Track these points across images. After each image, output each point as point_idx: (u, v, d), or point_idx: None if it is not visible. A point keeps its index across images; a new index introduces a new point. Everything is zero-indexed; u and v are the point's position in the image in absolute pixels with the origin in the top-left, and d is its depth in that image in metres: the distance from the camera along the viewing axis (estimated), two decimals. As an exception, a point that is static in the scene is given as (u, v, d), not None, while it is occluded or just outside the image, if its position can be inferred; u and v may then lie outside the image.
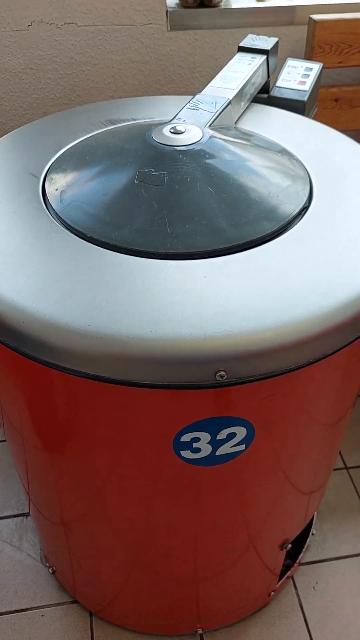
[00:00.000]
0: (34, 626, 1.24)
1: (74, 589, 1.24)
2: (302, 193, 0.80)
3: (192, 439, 0.73)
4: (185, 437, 0.72)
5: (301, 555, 1.28)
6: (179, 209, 0.74)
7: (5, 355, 0.71)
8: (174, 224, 0.73)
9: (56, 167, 0.85)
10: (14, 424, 0.89)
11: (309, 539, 1.32)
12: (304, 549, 1.29)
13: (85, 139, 0.91)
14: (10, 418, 0.88)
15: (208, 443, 0.74)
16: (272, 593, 1.23)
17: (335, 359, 0.70)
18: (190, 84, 1.36)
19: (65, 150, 0.89)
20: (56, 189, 0.81)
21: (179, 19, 1.29)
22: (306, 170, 0.86)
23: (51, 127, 0.96)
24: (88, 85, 1.37)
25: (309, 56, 1.32)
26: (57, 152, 0.90)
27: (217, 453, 0.75)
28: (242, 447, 0.76)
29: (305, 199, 0.79)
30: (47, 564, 1.31)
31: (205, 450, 0.74)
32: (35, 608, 1.27)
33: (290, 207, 0.77)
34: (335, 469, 1.51)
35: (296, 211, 0.77)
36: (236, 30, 1.33)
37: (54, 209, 0.78)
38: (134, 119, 0.98)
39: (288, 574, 1.25)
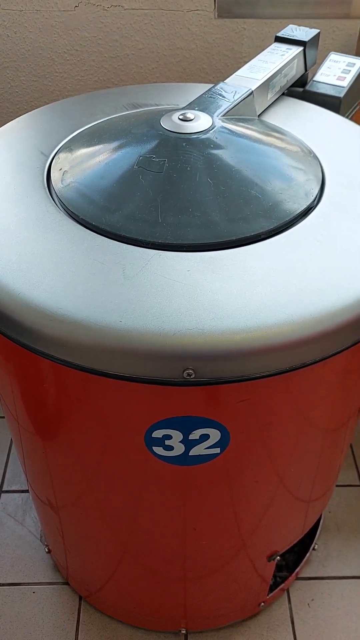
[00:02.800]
0: (24, 601, 1.25)
1: (66, 571, 1.24)
2: (310, 193, 0.76)
3: (163, 435, 0.71)
4: (157, 434, 0.70)
5: (298, 569, 1.24)
6: (174, 198, 0.72)
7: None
8: (166, 214, 0.70)
9: (65, 148, 0.84)
10: (7, 405, 0.89)
11: (309, 554, 1.28)
12: (302, 563, 1.24)
13: (101, 121, 0.90)
14: (4, 399, 0.89)
15: (180, 442, 0.71)
16: (262, 604, 1.19)
17: (316, 368, 0.66)
18: (236, 74, 1.32)
19: (80, 132, 0.88)
20: (60, 169, 0.80)
21: (227, 7, 1.26)
22: (322, 169, 0.81)
23: (73, 108, 0.96)
24: (132, 70, 1.36)
25: (360, 52, 1.25)
26: (72, 133, 0.89)
27: (191, 453, 0.73)
28: (217, 450, 0.73)
29: (311, 199, 0.75)
30: (45, 543, 1.33)
31: (178, 449, 0.72)
32: (28, 584, 1.28)
33: (293, 207, 0.73)
34: (349, 485, 1.45)
35: (298, 211, 0.73)
36: (286, 21, 1.28)
37: (53, 189, 0.78)
38: (158, 104, 0.96)
39: (282, 586, 1.21)
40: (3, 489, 1.44)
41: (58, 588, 1.28)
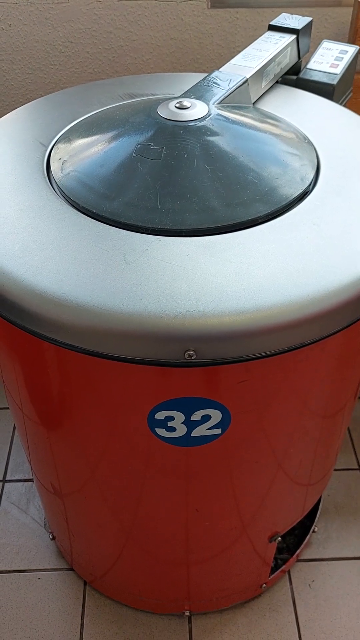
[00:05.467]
0: (29, 588, 1.27)
1: (71, 557, 1.26)
2: (306, 178, 0.77)
3: (166, 417, 0.72)
4: (160, 415, 0.72)
5: (299, 551, 1.26)
6: (172, 185, 0.73)
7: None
8: (164, 200, 0.72)
9: (64, 138, 0.86)
10: (11, 392, 0.90)
11: (310, 536, 1.30)
12: (302, 545, 1.27)
13: (98, 112, 0.91)
14: (7, 387, 0.90)
15: (182, 423, 0.73)
16: (264, 585, 1.21)
17: (315, 348, 0.67)
18: (229, 64, 1.32)
19: (77, 122, 0.90)
20: (59, 159, 0.81)
21: (220, -4, 1.27)
22: (317, 155, 0.83)
23: (69, 99, 0.97)
24: (126, 61, 1.37)
25: (352, 39, 1.26)
26: (70, 123, 0.90)
27: (193, 434, 0.75)
28: (218, 431, 0.75)
29: (307, 184, 0.76)
30: (49, 530, 1.35)
31: (180, 430, 0.74)
32: (33, 570, 1.30)
33: (289, 191, 0.74)
34: (348, 469, 1.47)
35: (294, 196, 0.74)
36: (279, 10, 1.29)
37: (53, 178, 0.79)
38: (154, 94, 0.98)
39: (283, 567, 1.23)
40: (6, 479, 1.46)
41: (63, 574, 1.30)
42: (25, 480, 1.46)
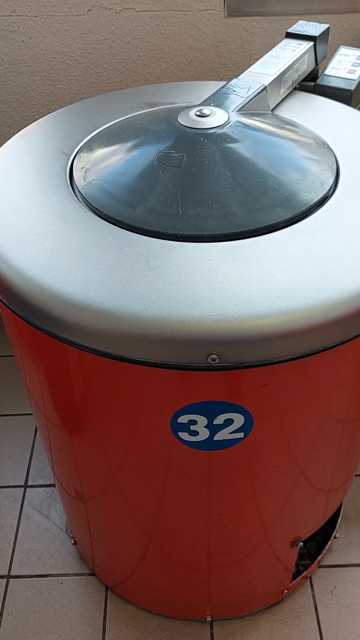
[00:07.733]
0: (51, 592, 1.28)
1: (93, 562, 1.27)
2: (326, 183, 0.78)
3: (189, 421, 0.73)
4: (182, 419, 0.73)
5: (320, 556, 1.26)
6: (193, 191, 0.74)
7: (13, 321, 0.74)
8: (186, 206, 0.73)
9: (86, 147, 0.87)
10: (34, 397, 0.92)
11: (331, 542, 1.29)
12: (324, 551, 1.26)
13: (119, 121, 0.93)
14: (31, 391, 0.92)
15: (205, 427, 0.74)
16: (286, 591, 1.21)
17: (336, 352, 0.68)
18: (246, 71, 1.33)
19: (99, 131, 0.91)
20: (82, 167, 0.83)
21: (236, 5, 1.28)
22: (336, 159, 0.83)
23: (90, 109, 0.99)
24: (144, 71, 1.39)
25: (369, 45, 1.27)
26: (91, 133, 0.92)
27: (216, 438, 0.75)
28: (241, 434, 0.75)
29: (327, 188, 0.77)
30: (71, 535, 1.36)
31: (203, 434, 0.75)
32: (55, 575, 1.31)
33: (309, 196, 0.75)
34: (368, 474, 1.46)
35: (314, 200, 0.75)
36: (295, 18, 1.30)
37: (76, 186, 0.81)
38: (173, 103, 0.99)
39: (304, 573, 1.23)
40: (28, 484, 1.48)
41: (85, 579, 1.31)
42: (46, 486, 1.48)
